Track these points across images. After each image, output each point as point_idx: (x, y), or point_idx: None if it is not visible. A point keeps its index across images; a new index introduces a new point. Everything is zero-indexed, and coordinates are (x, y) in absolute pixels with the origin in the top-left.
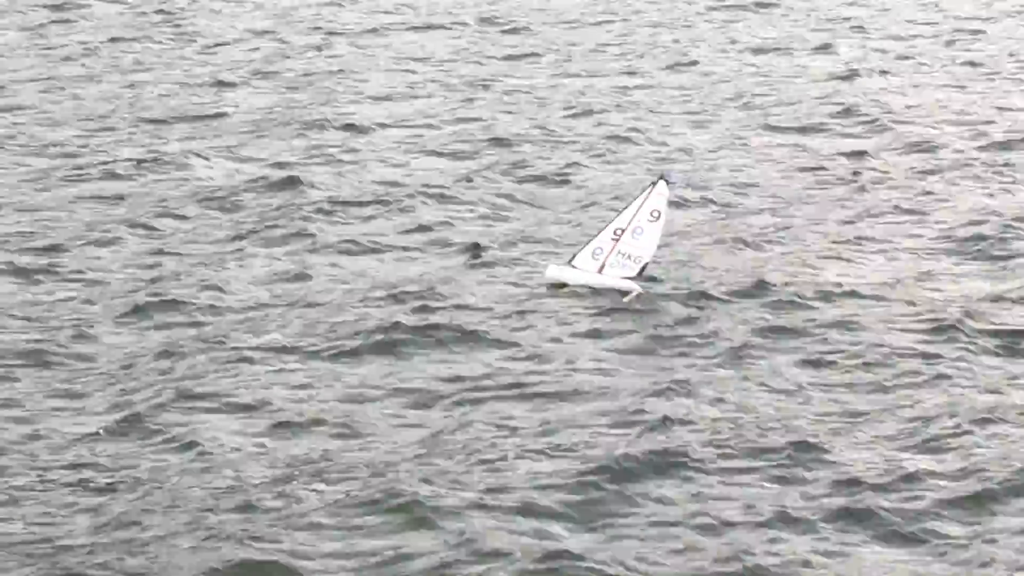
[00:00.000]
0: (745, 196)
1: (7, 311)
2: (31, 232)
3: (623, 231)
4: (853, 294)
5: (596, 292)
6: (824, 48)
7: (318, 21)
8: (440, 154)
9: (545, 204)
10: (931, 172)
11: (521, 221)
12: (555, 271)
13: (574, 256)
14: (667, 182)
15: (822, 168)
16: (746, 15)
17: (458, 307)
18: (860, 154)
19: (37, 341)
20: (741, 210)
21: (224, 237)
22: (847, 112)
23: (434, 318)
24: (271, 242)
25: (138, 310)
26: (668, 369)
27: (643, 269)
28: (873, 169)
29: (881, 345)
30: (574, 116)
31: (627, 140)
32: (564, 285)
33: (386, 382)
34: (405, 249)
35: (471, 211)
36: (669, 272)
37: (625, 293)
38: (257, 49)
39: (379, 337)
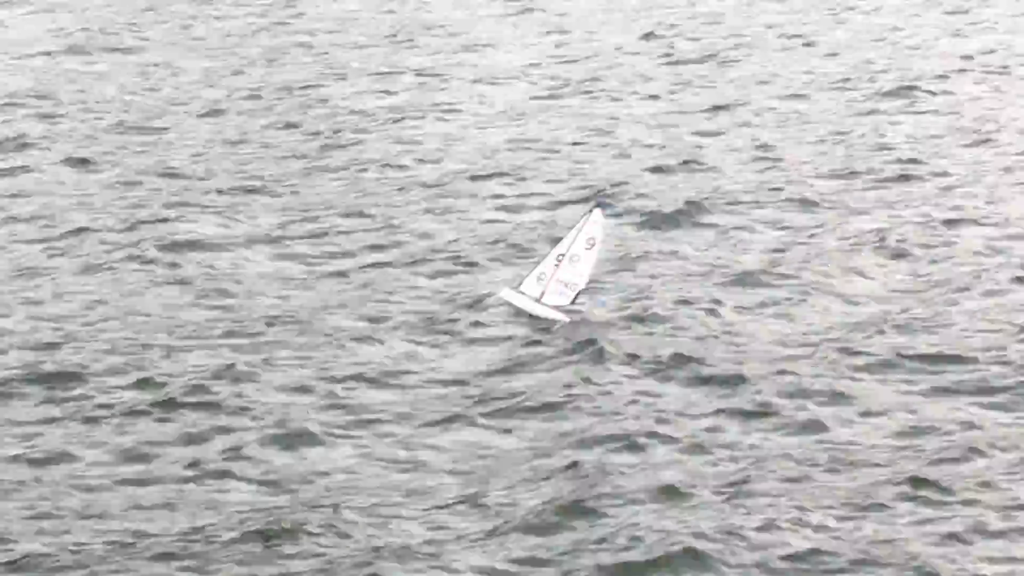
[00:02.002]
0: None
1: None
2: None
3: (564, 257)
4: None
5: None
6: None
7: None
8: None
9: None
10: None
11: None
12: (507, 294)
13: (521, 281)
14: (601, 209)
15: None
16: None
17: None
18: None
19: None
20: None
21: None
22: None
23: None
24: None
25: None
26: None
27: (576, 297)
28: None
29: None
30: None
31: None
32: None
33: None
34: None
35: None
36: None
37: (554, 322)
38: None
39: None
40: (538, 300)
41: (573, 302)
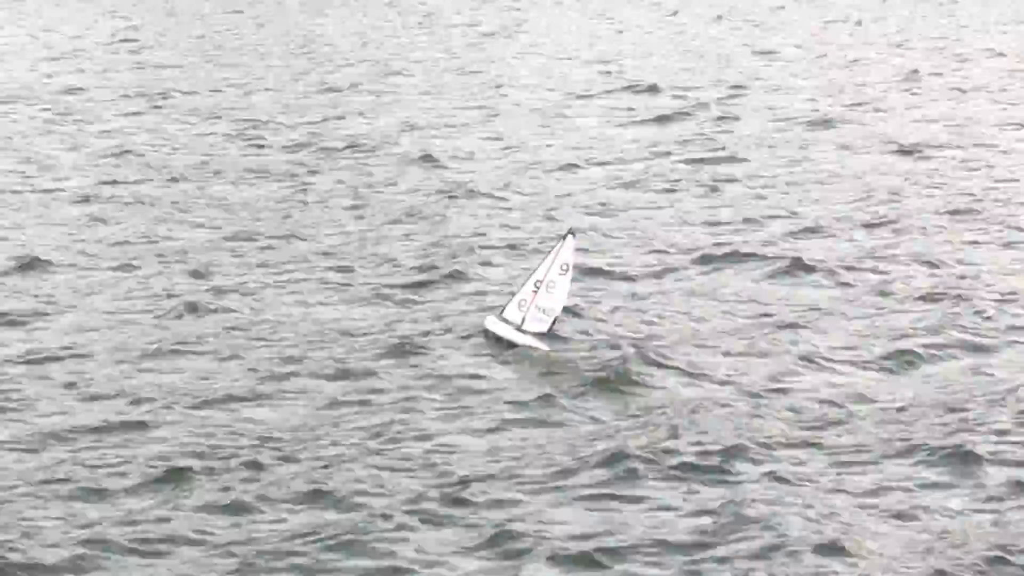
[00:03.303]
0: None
1: None
2: None
3: (541, 283)
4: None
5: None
6: None
7: None
8: None
9: None
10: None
11: None
12: (491, 323)
13: (504, 307)
14: (574, 236)
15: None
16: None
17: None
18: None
19: None
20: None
21: None
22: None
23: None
24: None
25: None
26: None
27: (554, 323)
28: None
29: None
30: None
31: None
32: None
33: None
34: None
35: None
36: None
37: (535, 349)
38: None
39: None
40: (519, 327)
41: (550, 329)
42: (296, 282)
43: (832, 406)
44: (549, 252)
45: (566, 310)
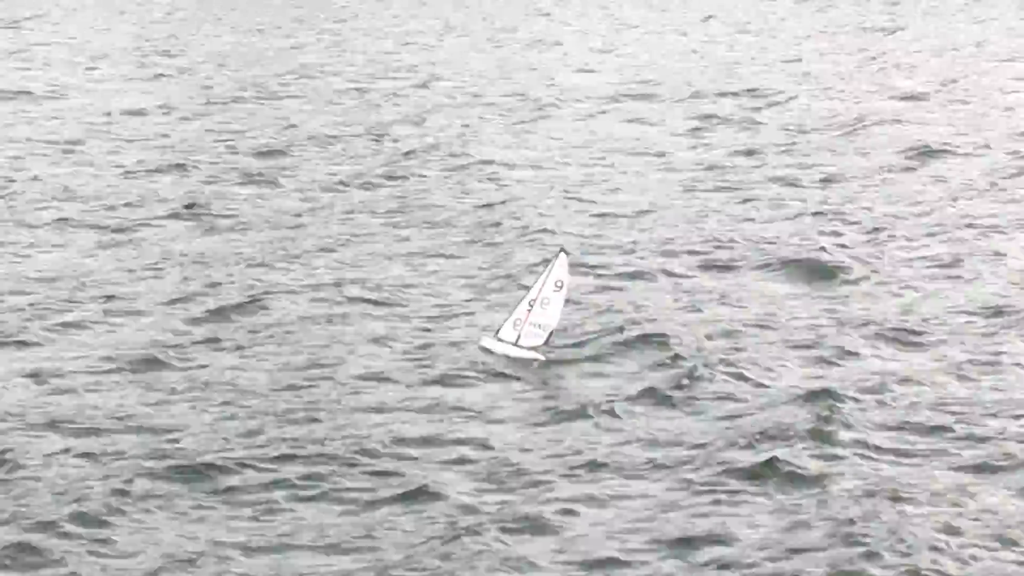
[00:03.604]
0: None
1: None
2: None
3: (535, 301)
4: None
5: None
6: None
7: None
8: None
9: None
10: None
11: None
12: (487, 342)
13: (499, 328)
14: (566, 253)
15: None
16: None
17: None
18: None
19: None
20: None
21: None
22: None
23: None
24: None
25: None
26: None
27: (549, 337)
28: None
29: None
30: None
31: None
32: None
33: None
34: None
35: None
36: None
37: (532, 361)
38: None
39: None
40: (515, 343)
41: (547, 342)
42: (333, 288)
43: (894, 412)
44: (542, 273)
45: (623, 316)
